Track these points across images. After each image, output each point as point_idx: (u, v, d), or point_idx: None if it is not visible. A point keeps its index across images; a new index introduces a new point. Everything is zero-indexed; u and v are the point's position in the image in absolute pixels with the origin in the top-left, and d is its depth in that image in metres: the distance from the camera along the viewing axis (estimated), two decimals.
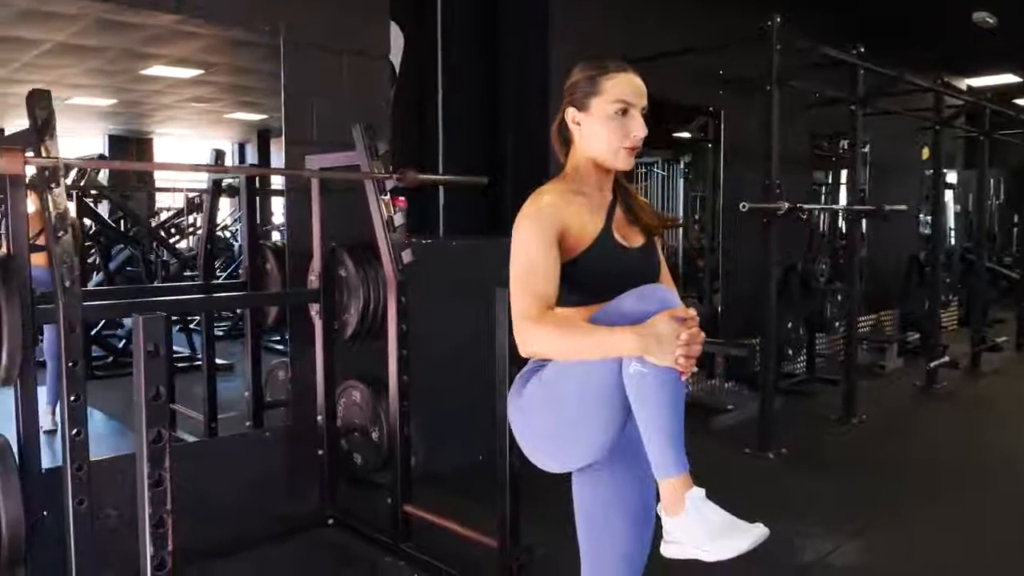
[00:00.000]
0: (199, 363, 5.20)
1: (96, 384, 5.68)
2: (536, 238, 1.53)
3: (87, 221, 6.25)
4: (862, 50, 4.64)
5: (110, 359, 6.06)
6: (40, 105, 2.15)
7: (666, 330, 1.37)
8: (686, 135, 7.82)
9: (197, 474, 3.14)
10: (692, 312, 1.41)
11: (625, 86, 1.60)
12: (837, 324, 5.68)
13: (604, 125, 1.60)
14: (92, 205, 6.72)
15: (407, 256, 2.81)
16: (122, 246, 6.54)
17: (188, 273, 6.36)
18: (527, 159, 4.54)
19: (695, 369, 1.43)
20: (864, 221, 6.63)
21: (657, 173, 9.17)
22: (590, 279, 1.57)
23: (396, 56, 4.66)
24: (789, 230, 5.48)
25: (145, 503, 1.69)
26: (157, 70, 6.95)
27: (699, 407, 5.09)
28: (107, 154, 9.33)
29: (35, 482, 2.45)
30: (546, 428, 1.60)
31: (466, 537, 2.62)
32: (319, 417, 3.16)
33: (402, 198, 3.73)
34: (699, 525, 1.44)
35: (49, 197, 2.12)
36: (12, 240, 2.41)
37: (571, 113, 1.64)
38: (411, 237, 3.76)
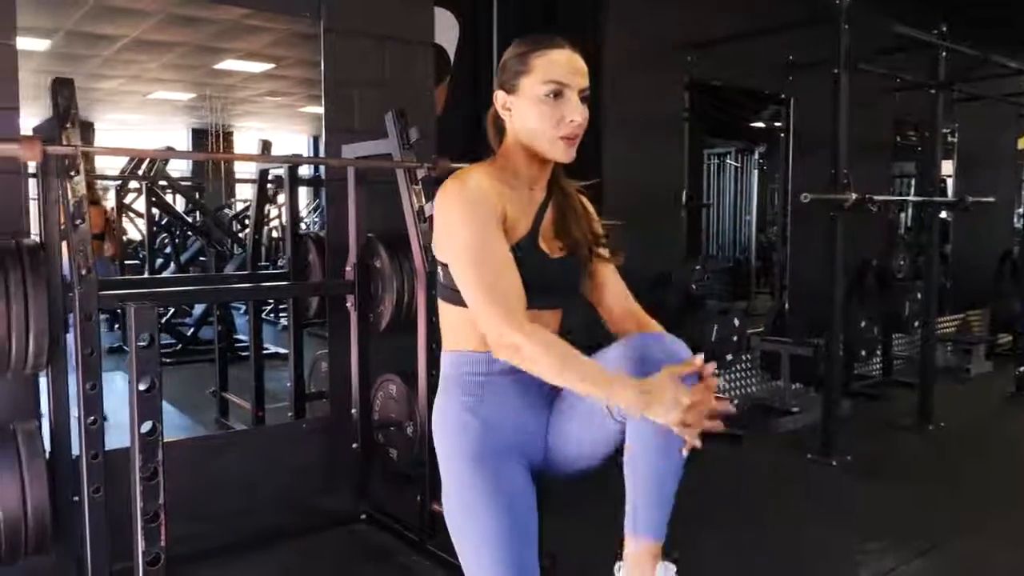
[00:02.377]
0: (266, 351, 5.30)
1: (164, 370, 5.84)
2: (482, 224, 1.34)
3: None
4: (944, 30, 4.31)
5: (179, 347, 6.22)
6: (62, 94, 2.15)
7: (669, 392, 1.23)
8: (761, 124, 7.51)
9: (237, 463, 3.15)
10: (700, 365, 1.28)
11: (557, 65, 1.40)
12: (916, 324, 5.32)
13: (534, 109, 1.40)
14: (166, 197, 6.92)
15: None
16: (194, 237, 6.72)
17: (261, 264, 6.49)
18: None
19: (703, 429, 1.27)
20: (949, 214, 6.24)
21: (730, 164, 8.88)
22: None
23: (451, 45, 4.59)
24: (866, 224, 5.17)
25: (137, 497, 1.66)
26: (229, 64, 7.10)
27: (761, 408, 4.87)
28: (190, 147, 9.63)
29: (65, 469, 2.48)
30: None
31: None
32: (353, 410, 3.12)
33: None
34: None
35: (68, 185, 2.12)
36: (43, 228, 2.44)
37: (500, 97, 1.45)
38: None
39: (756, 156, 8.74)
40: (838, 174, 3.80)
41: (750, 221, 8.86)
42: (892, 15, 4.08)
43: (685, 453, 1.29)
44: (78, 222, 2.11)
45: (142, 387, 1.66)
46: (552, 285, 1.45)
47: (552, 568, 2.36)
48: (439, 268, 1.45)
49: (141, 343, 1.64)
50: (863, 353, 5.24)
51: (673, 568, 1.34)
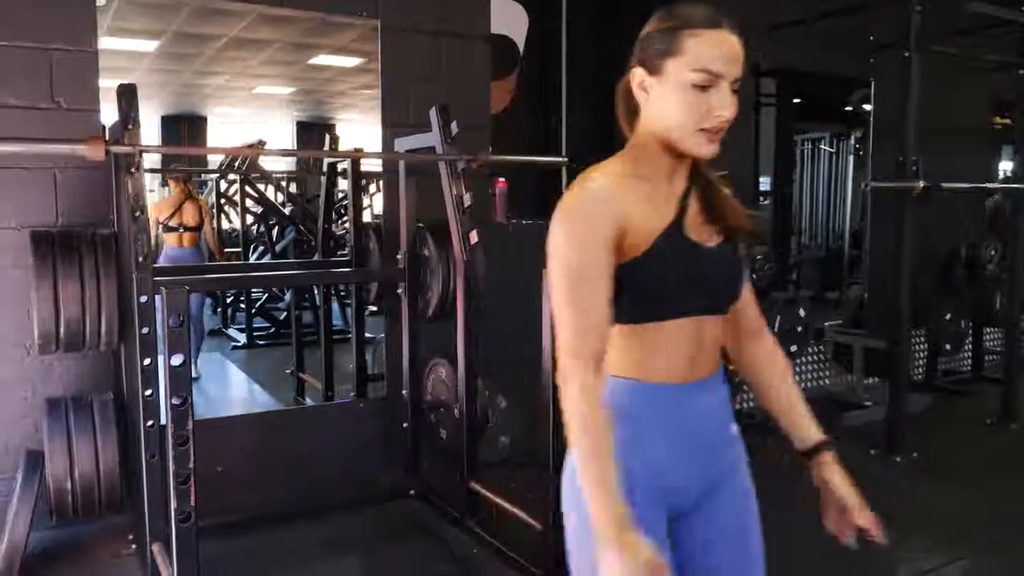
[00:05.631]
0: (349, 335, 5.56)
1: (255, 351, 6.22)
2: (580, 239, 1.16)
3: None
4: None
5: (271, 329, 6.58)
6: (125, 99, 2.37)
7: (629, 559, 1.05)
8: (850, 108, 7.23)
9: (299, 438, 3.36)
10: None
11: (713, 48, 1.17)
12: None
13: (679, 97, 1.18)
14: (260, 188, 7.30)
15: (474, 237, 2.83)
16: (290, 227, 7.07)
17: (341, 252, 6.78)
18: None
19: None
20: None
21: (824, 150, 8.58)
22: (653, 288, 1.20)
23: (520, 37, 4.68)
24: (958, 211, 4.94)
25: (170, 462, 1.84)
26: (322, 59, 7.42)
27: (831, 402, 4.76)
28: (294, 138, 10.12)
29: (135, 436, 2.74)
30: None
31: (518, 518, 2.63)
32: (404, 391, 3.28)
33: (502, 179, 3.77)
34: None
35: (128, 181, 2.34)
36: (117, 220, 2.70)
37: (638, 75, 1.23)
38: (512, 218, 3.79)
39: (852, 141, 8.40)
40: (906, 161, 3.66)
41: (845, 208, 8.53)
42: None
43: None
44: (137, 214, 2.33)
45: (174, 363, 1.84)
46: (711, 279, 1.25)
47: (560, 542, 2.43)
48: None
49: (172, 323, 1.82)
50: (948, 347, 5.01)
51: None
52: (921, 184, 3.59)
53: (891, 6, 3.91)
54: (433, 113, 2.94)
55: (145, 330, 2.32)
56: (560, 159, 3.13)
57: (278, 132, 11.17)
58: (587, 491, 1.11)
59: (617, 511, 1.09)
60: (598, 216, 1.17)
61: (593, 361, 1.15)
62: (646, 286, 1.20)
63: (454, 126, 2.89)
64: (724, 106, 1.18)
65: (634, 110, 1.26)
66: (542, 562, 2.44)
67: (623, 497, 1.10)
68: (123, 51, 6.27)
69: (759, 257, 4.23)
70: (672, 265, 1.21)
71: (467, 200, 2.85)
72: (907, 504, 3.30)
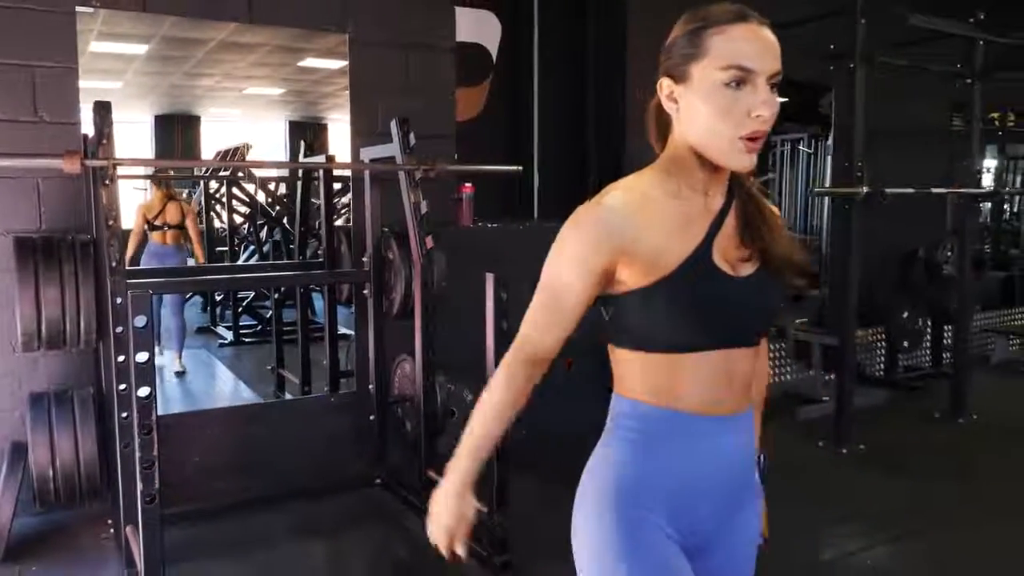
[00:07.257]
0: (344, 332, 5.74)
1: (241, 348, 6.41)
2: (571, 256, 1.12)
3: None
4: (981, 18, 4.23)
5: (258, 327, 6.76)
6: (99, 115, 2.56)
7: (442, 509, 1.23)
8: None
9: (273, 430, 3.55)
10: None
11: (741, 43, 1.07)
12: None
13: (710, 102, 1.08)
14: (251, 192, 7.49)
15: (430, 242, 3.02)
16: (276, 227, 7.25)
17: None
18: (605, 141, 4.60)
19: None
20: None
21: (802, 151, 8.75)
22: (671, 317, 1.11)
23: (493, 45, 4.86)
24: (917, 212, 5.11)
25: (136, 449, 2.03)
26: (311, 62, 7.59)
27: (790, 396, 4.95)
28: (287, 138, 10.30)
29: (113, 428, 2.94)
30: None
31: None
32: (370, 386, 3.47)
33: (468, 184, 3.96)
34: None
35: (103, 192, 2.52)
36: (95, 227, 2.88)
37: (665, 85, 1.14)
38: (477, 221, 3.98)
39: (830, 142, 8.58)
40: (852, 167, 3.84)
41: (822, 208, 8.70)
42: (924, 5, 4.04)
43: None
44: (110, 222, 2.52)
45: (139, 360, 2.03)
46: (736, 311, 1.15)
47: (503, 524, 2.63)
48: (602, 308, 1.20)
49: (138, 324, 2.01)
50: (905, 344, 5.20)
51: None
52: (864, 190, 3.77)
53: (842, 18, 4.08)
54: (393, 125, 3.12)
55: (119, 329, 2.51)
56: (514, 168, 3.32)
57: (271, 131, 11.33)
58: (459, 456, 1.22)
59: (466, 470, 1.21)
60: (595, 239, 1.11)
61: (531, 356, 1.17)
62: (664, 314, 1.11)
63: (412, 137, 3.07)
64: (762, 105, 1.06)
65: (665, 126, 1.18)
66: (487, 544, 2.64)
67: (477, 467, 1.21)
68: (113, 54, 6.42)
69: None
70: (693, 295, 1.11)
71: (424, 207, 3.03)
72: (844, 493, 3.50)
